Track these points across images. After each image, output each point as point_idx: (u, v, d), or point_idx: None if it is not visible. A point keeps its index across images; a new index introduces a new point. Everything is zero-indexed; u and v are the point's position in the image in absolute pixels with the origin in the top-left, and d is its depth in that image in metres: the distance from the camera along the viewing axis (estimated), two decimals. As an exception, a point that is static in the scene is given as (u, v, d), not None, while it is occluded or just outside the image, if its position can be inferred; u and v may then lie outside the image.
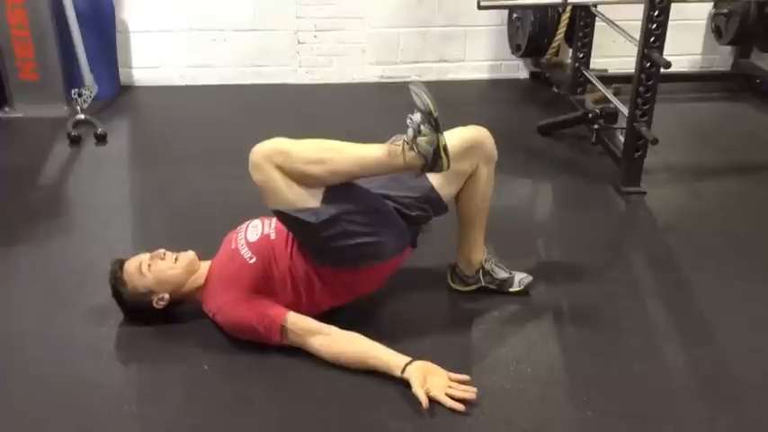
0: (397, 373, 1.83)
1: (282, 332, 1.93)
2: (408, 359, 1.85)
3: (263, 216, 2.11)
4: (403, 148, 1.82)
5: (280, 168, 1.81)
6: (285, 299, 1.98)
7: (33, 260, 2.52)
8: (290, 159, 1.81)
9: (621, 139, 3.05)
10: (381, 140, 1.89)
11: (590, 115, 3.29)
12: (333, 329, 1.94)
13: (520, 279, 2.25)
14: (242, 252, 2.02)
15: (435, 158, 1.81)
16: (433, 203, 2.07)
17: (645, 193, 2.94)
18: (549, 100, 3.93)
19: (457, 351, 2.03)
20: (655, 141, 2.81)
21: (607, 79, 3.66)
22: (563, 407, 1.84)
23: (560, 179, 3.13)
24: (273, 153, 1.81)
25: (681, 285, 2.39)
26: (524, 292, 2.25)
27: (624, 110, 3.01)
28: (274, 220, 2.10)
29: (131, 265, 2.04)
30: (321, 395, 1.86)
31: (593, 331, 2.13)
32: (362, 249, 1.94)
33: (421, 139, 1.80)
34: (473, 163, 2.05)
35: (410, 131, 1.82)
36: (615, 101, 3.25)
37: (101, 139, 3.43)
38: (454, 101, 3.78)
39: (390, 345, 1.91)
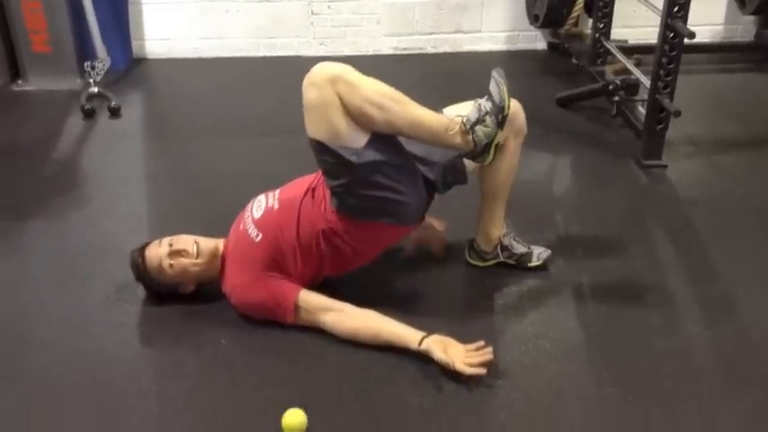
0: (414, 346, 1.82)
1: (296, 311, 1.92)
2: (423, 333, 1.83)
3: (267, 190, 2.08)
4: (460, 128, 1.80)
5: (339, 96, 1.75)
6: (295, 270, 1.96)
7: (49, 234, 2.51)
8: (353, 93, 1.75)
9: (642, 111, 2.99)
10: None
11: (610, 87, 3.22)
12: (346, 306, 1.92)
13: (539, 253, 2.22)
14: (249, 231, 1.99)
15: (484, 150, 1.80)
16: (456, 171, 2.03)
17: (666, 166, 2.89)
18: (567, 71, 3.86)
19: (475, 327, 2.01)
20: (677, 114, 2.75)
21: (628, 50, 3.58)
22: (583, 383, 1.82)
23: (579, 152, 3.08)
24: (338, 79, 1.75)
25: (702, 260, 2.35)
26: (543, 267, 2.22)
27: (646, 81, 2.94)
28: (278, 191, 2.07)
29: (153, 260, 2.00)
30: (338, 369, 1.85)
31: (613, 307, 2.10)
32: (386, 205, 1.90)
33: (480, 128, 1.79)
34: (503, 135, 2.00)
35: (473, 115, 1.79)
36: (636, 72, 3.18)
37: (114, 112, 3.41)
38: (470, 73, 3.69)
39: (407, 321, 1.90)
